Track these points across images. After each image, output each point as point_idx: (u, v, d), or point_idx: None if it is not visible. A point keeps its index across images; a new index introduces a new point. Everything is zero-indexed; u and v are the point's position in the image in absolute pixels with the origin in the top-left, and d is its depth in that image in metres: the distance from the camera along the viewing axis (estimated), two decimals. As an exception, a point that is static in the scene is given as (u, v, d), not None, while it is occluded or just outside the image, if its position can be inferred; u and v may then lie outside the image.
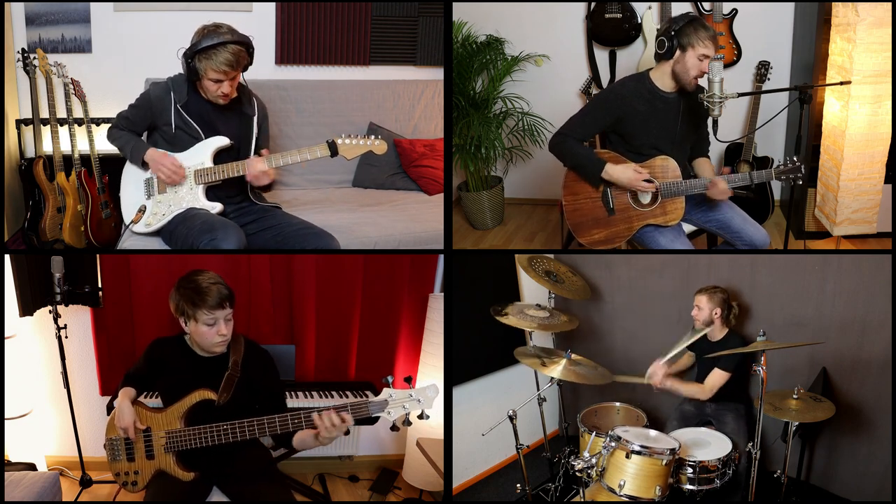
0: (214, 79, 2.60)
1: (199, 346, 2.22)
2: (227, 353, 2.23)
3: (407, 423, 2.01)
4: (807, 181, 2.62)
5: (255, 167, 2.67)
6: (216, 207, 2.73)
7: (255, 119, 2.83)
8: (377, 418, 2.04)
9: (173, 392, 2.18)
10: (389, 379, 2.03)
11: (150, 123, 2.79)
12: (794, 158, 2.60)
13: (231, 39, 2.54)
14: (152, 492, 2.17)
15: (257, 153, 2.81)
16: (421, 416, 2.00)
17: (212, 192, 2.76)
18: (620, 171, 2.68)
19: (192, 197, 2.74)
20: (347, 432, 2.03)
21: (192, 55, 2.58)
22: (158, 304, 3.11)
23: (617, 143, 2.78)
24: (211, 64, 2.55)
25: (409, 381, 2.04)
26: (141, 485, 2.18)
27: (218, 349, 2.20)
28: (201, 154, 2.73)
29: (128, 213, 2.85)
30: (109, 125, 2.88)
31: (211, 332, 2.13)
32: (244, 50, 2.59)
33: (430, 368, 3.24)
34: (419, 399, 1.99)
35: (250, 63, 2.68)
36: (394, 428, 2.03)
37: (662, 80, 2.67)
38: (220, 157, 2.74)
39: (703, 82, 2.67)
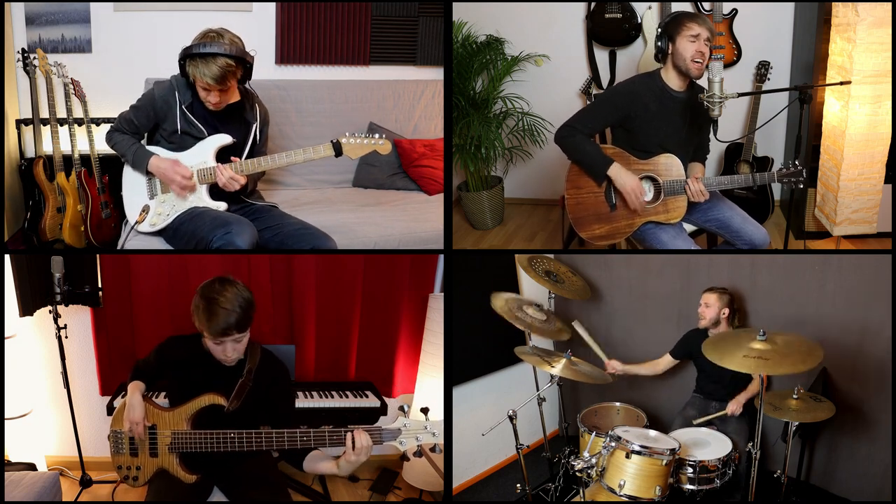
0: (202, 86, 2.58)
1: None
2: (243, 360, 2.19)
3: (418, 454, 1.97)
4: (807, 182, 2.62)
5: (224, 173, 2.64)
6: (221, 206, 2.73)
7: (255, 126, 2.81)
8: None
9: (182, 391, 2.17)
10: (406, 407, 1.98)
11: (154, 124, 2.78)
12: (797, 162, 2.60)
13: (222, 52, 2.49)
14: (153, 488, 2.17)
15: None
16: (433, 450, 1.98)
17: (215, 191, 2.75)
18: (627, 177, 2.66)
19: (196, 196, 2.73)
20: None
21: (184, 58, 2.56)
22: (158, 304, 3.12)
23: (623, 139, 2.77)
24: (198, 72, 2.52)
25: (426, 412, 2.01)
26: (142, 480, 2.17)
27: (227, 364, 2.16)
28: (204, 153, 2.72)
29: (130, 212, 2.85)
30: (109, 128, 2.86)
31: (217, 350, 2.10)
32: (236, 65, 2.54)
33: (430, 368, 3.24)
34: (434, 432, 1.95)
35: (247, 77, 2.66)
36: (404, 457, 2.00)
37: (671, 79, 2.67)
38: (223, 154, 2.73)
39: (703, 82, 2.67)
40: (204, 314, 2.02)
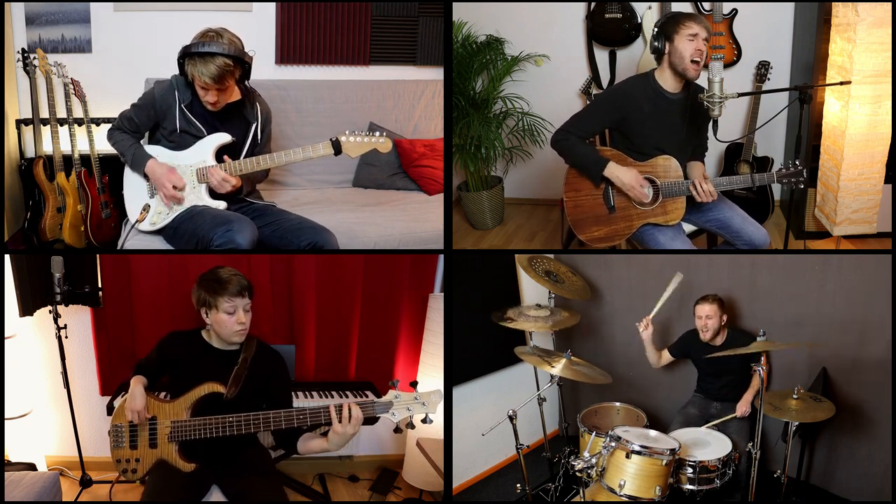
0: (200, 85, 2.59)
1: (218, 337, 2.26)
2: (239, 350, 2.27)
3: (410, 426, 2.02)
4: (807, 182, 2.62)
5: (216, 175, 2.65)
6: (221, 205, 2.74)
7: (255, 126, 2.82)
8: (378, 418, 2.05)
9: (182, 384, 2.20)
10: (395, 382, 2.04)
11: (155, 122, 2.79)
12: (797, 162, 2.60)
13: (220, 52, 2.50)
14: (151, 481, 2.18)
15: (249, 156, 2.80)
16: (424, 420, 2.01)
17: (214, 190, 2.75)
18: (623, 172, 2.68)
19: (196, 196, 2.74)
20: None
21: (183, 57, 2.57)
22: (158, 304, 3.12)
23: (620, 141, 2.78)
24: (196, 71, 2.54)
25: (415, 385, 2.04)
26: (140, 473, 2.19)
27: (237, 338, 2.24)
28: (203, 152, 2.73)
29: (131, 211, 2.86)
30: (110, 126, 2.87)
31: (231, 320, 2.19)
32: (234, 65, 2.55)
33: (430, 368, 3.24)
34: (424, 403, 2.00)
35: (245, 76, 2.67)
36: (397, 430, 2.03)
37: (665, 80, 2.67)
38: (222, 153, 2.73)
39: (703, 82, 2.67)
40: (216, 284, 2.19)
